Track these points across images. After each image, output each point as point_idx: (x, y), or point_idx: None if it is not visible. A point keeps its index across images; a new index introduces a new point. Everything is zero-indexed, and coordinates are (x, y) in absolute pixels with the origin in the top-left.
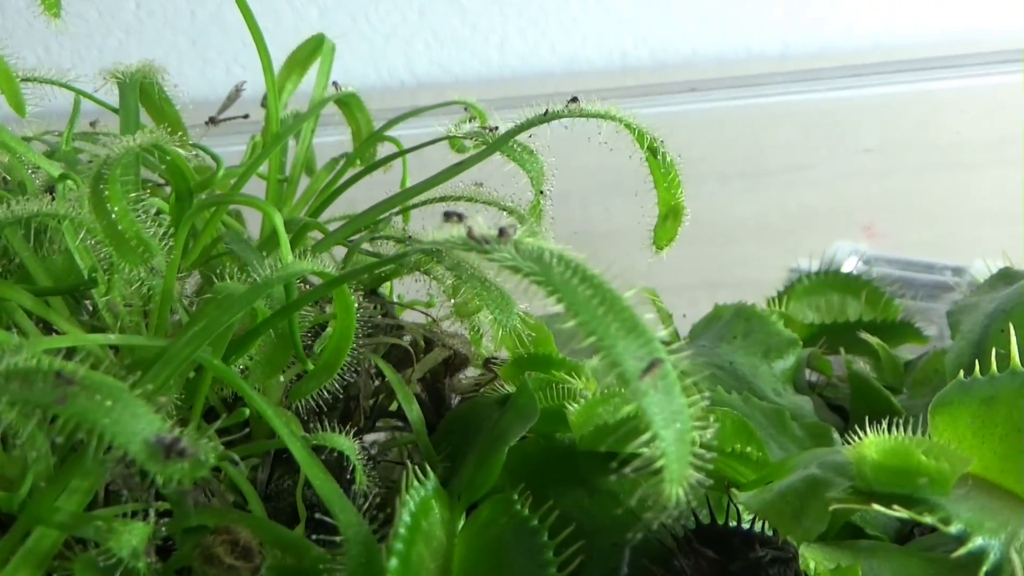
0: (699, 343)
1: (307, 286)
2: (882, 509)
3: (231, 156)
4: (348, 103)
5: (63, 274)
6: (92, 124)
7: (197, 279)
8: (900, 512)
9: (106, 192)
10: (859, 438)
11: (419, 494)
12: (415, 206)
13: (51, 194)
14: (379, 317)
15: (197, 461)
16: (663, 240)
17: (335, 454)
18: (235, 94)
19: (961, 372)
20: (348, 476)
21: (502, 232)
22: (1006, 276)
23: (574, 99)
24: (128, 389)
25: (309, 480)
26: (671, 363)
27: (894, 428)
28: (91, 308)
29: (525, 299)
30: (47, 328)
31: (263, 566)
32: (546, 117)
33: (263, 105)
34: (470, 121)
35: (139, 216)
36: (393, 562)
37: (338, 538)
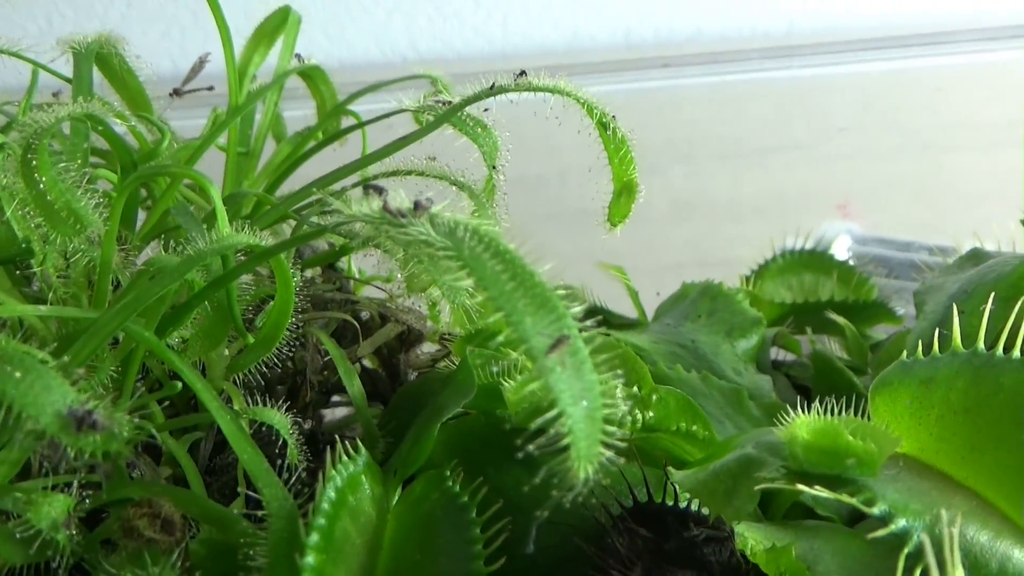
0: (664, 321)
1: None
2: (806, 489)
3: (200, 129)
4: (312, 76)
5: (5, 244)
6: (55, 95)
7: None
8: (823, 492)
9: (35, 162)
10: (790, 418)
11: (347, 470)
12: (369, 179)
13: None
14: (334, 292)
15: (110, 434)
16: (617, 217)
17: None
18: (199, 65)
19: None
20: (280, 451)
21: (417, 206)
22: (974, 257)
23: (522, 73)
24: (40, 361)
25: (236, 454)
26: (581, 340)
27: (846, 409)
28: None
29: None
30: None
31: (187, 539)
32: (492, 91)
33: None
34: (436, 95)
35: (78, 187)
36: (314, 537)
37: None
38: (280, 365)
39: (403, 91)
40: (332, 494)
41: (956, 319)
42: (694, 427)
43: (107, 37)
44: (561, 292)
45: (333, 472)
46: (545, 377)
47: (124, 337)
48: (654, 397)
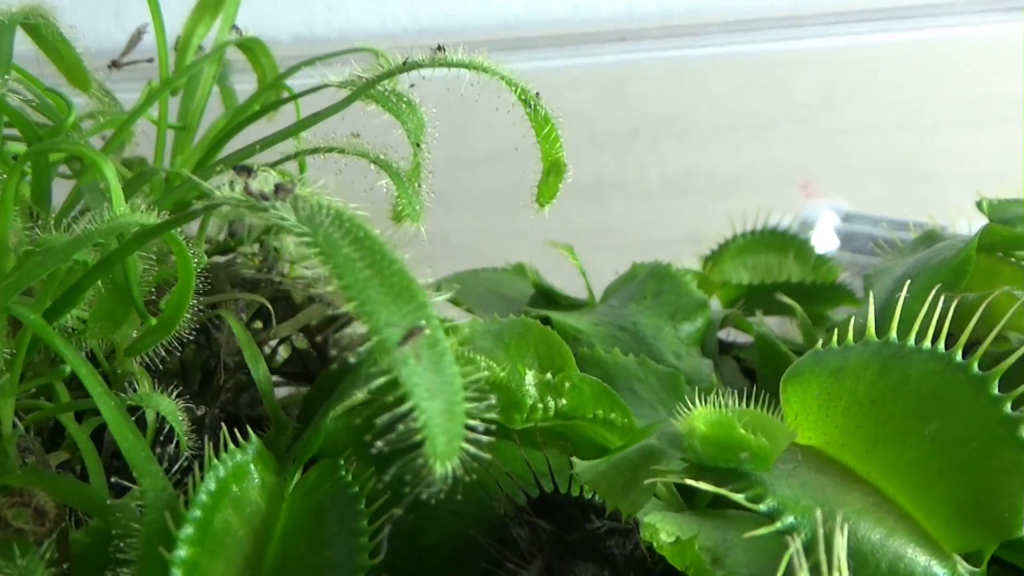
0: (610, 302)
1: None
2: (694, 483)
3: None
4: (253, 48)
5: None
6: None
7: None
8: (709, 487)
9: None
10: (688, 409)
11: (233, 459)
12: (295, 155)
13: None
14: (260, 273)
15: None
16: (545, 196)
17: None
18: (137, 37)
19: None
20: (171, 440)
21: (279, 189)
22: (928, 239)
23: (440, 48)
24: None
25: (116, 441)
26: (441, 331)
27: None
28: None
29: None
30: None
31: (60, 529)
32: (405, 67)
33: (175, 48)
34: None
35: None
36: (187, 530)
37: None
38: (198, 348)
39: (365, 63)
40: (212, 485)
41: (871, 304)
42: (612, 414)
43: (34, 7)
44: (427, 281)
45: (216, 461)
46: (397, 370)
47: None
48: (567, 384)
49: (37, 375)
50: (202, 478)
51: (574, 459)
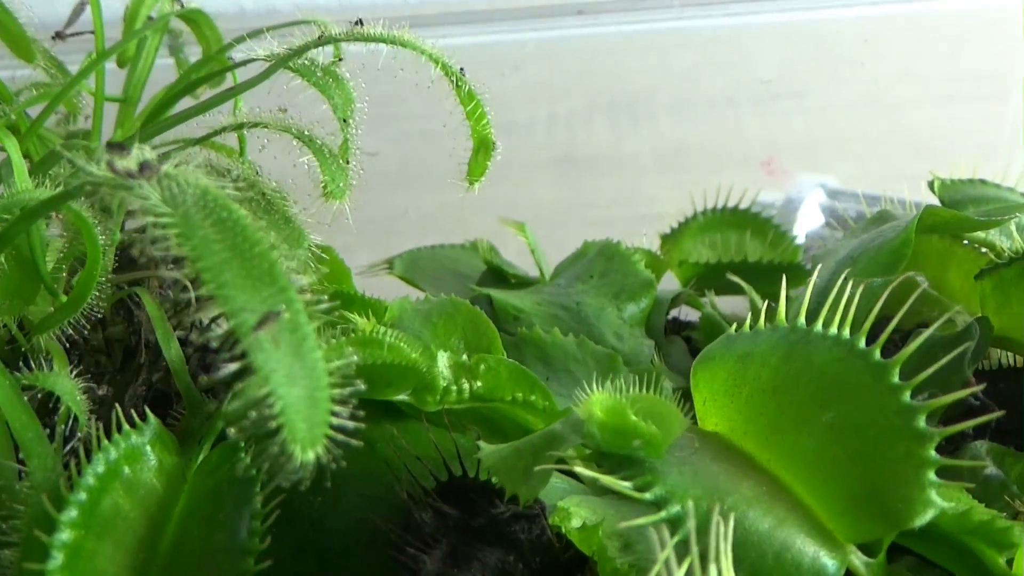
0: (558, 281)
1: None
2: (582, 471)
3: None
4: (197, 20)
5: None
6: None
7: None
8: (596, 475)
9: None
10: (587, 395)
11: (126, 441)
12: (218, 132)
13: None
14: None
15: None
16: (475, 173)
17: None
18: (80, 8)
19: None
20: (68, 422)
21: (143, 167)
22: (880, 219)
23: (358, 22)
24: None
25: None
26: (304, 316)
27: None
28: None
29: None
30: None
31: None
32: (321, 41)
33: (124, 20)
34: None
35: None
36: (71, 512)
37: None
38: (125, 325)
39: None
40: (100, 468)
41: (783, 291)
42: (532, 396)
43: None
44: (292, 265)
45: (108, 444)
46: (253, 355)
47: None
48: (482, 367)
49: None
50: (89, 460)
51: (480, 443)
